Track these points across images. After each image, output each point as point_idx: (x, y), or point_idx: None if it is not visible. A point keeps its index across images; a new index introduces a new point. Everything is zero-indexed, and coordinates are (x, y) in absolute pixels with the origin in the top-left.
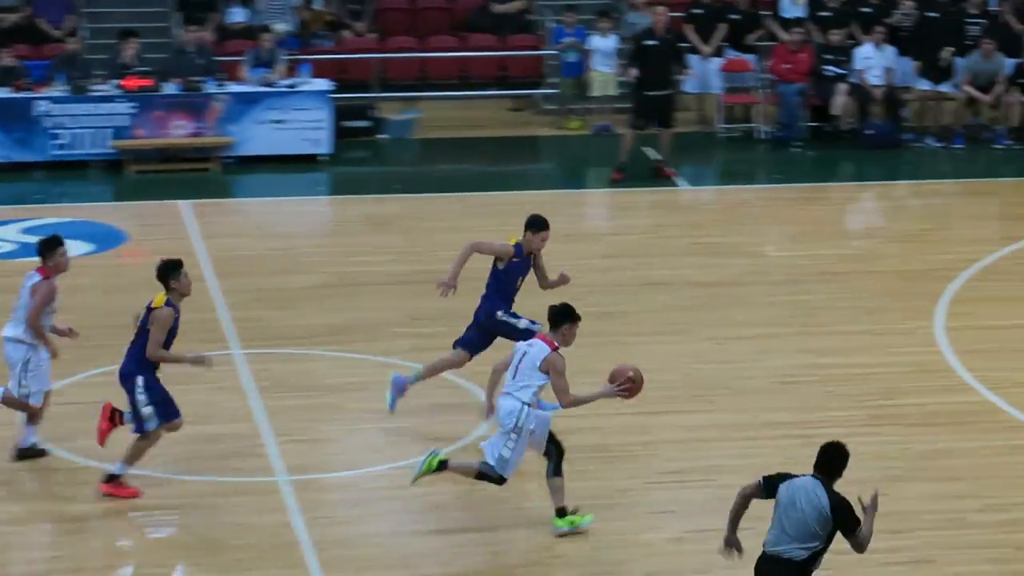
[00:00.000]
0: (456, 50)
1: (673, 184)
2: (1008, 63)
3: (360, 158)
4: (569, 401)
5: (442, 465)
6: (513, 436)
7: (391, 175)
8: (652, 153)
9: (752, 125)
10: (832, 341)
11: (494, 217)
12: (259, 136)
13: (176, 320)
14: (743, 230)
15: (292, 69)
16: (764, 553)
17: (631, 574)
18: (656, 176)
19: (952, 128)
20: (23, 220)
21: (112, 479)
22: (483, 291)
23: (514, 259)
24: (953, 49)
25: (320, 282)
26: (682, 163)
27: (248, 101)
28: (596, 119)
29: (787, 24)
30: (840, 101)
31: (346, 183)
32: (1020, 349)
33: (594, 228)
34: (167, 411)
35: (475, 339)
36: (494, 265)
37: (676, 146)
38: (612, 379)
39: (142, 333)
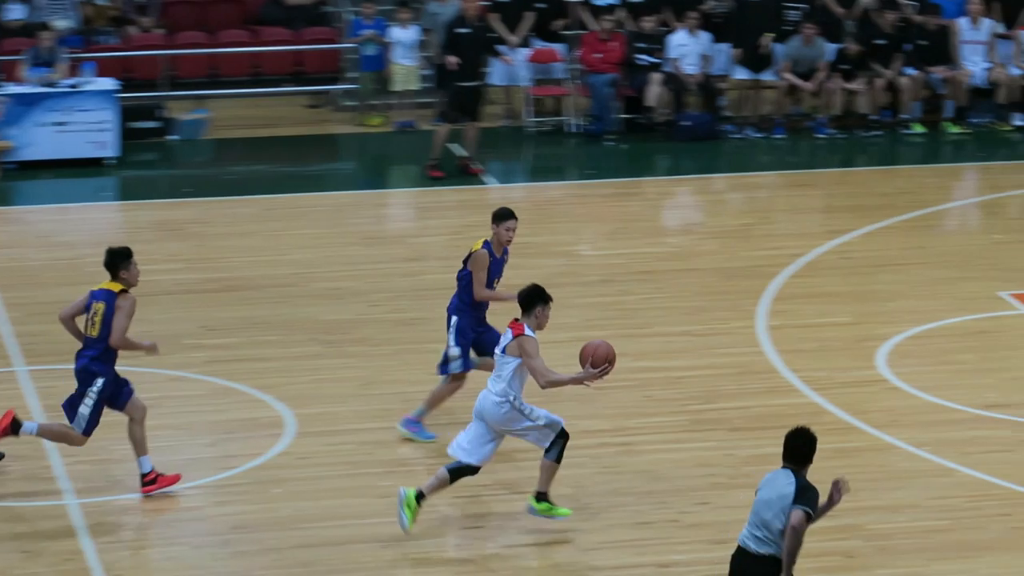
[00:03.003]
0: (248, 45)
1: (480, 182)
2: (829, 48)
3: (148, 161)
4: (547, 382)
5: (419, 496)
6: (529, 423)
7: (182, 178)
8: (457, 149)
9: (562, 118)
10: (650, 343)
11: (291, 220)
12: (40, 139)
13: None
14: (555, 229)
15: (74, 68)
16: (737, 546)
17: None
18: (462, 173)
19: (772, 118)
20: None
21: None
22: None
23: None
24: (772, 35)
25: None
26: (489, 159)
27: (28, 103)
28: (398, 115)
29: (597, 11)
30: (654, 91)
31: (134, 187)
32: (843, 348)
33: (397, 230)
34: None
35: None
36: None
37: (482, 141)
38: (589, 361)
39: (105, 326)
